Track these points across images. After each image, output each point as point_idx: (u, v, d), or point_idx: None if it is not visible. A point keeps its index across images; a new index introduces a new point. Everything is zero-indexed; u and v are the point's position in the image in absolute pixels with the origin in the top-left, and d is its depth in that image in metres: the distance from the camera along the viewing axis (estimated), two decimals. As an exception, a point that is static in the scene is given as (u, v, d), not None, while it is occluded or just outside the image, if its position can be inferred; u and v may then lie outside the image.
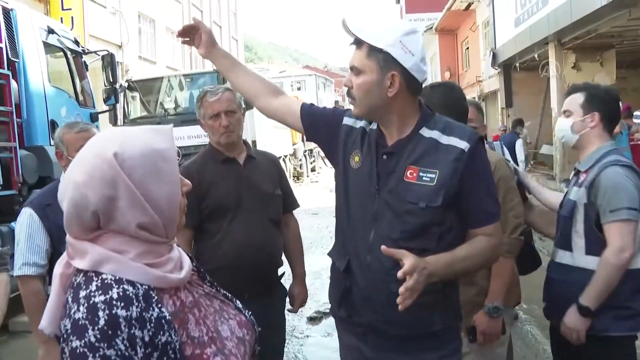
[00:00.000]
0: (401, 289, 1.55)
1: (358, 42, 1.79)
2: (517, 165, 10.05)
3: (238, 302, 1.36)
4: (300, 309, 3.12)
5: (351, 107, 1.93)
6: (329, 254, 2.09)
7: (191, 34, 2.12)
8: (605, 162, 2.34)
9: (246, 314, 1.34)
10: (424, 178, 1.76)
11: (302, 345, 5.03)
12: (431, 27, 26.46)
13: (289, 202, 2.99)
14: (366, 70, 1.78)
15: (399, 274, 1.56)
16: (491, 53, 17.71)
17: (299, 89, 50.01)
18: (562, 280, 2.41)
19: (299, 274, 3.03)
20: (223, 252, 2.63)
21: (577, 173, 2.50)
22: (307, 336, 5.25)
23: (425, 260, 1.63)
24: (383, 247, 1.64)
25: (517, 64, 16.11)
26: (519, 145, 10.30)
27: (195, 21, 2.12)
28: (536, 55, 14.29)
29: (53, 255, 2.53)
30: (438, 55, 27.79)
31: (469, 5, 21.83)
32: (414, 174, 1.78)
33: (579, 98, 2.47)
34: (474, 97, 22.05)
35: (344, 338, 2.07)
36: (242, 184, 2.74)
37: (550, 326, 2.62)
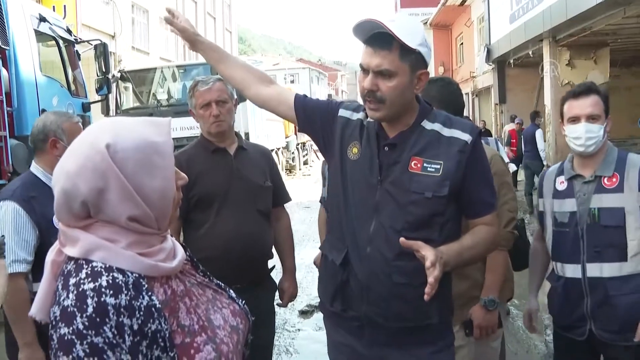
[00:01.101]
0: (430, 279, 1.56)
1: (386, 44, 1.71)
2: (540, 154, 10.34)
3: (231, 291, 1.35)
4: (291, 303, 3.11)
5: (354, 104, 1.90)
6: (321, 248, 2.06)
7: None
8: (634, 161, 2.31)
9: (240, 303, 1.34)
10: (428, 169, 1.77)
11: (294, 339, 5.03)
12: (426, 22, 26.45)
13: (280, 196, 2.97)
14: (399, 73, 1.73)
15: (427, 264, 1.57)
16: (485, 49, 17.74)
17: (292, 82, 49.91)
18: (627, 293, 2.26)
19: (289, 268, 3.01)
20: (211, 243, 2.62)
21: (595, 179, 2.34)
22: (299, 330, 5.25)
23: (440, 251, 1.65)
24: (402, 239, 1.64)
25: (512, 60, 16.16)
26: (539, 135, 10.52)
27: (171, 12, 2.08)
28: (530, 52, 14.33)
29: (42, 248, 2.43)
30: (432, 50, 27.80)
31: (464, 0, 21.84)
32: (418, 165, 1.78)
33: (600, 101, 2.35)
34: (468, 93, 22.11)
35: (334, 336, 2.04)
36: (232, 175, 2.72)
37: (557, 341, 2.57)
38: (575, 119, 2.37)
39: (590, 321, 2.33)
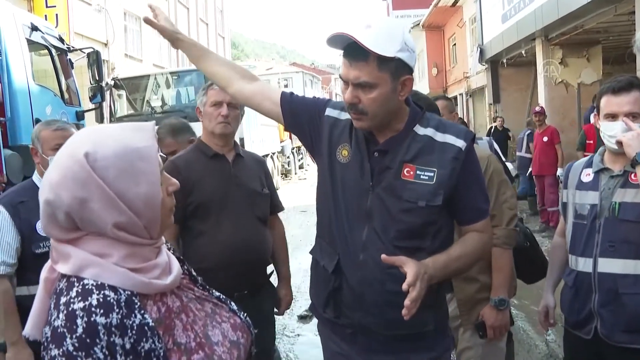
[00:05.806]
0: (406, 302, 1.52)
1: (362, 56, 1.64)
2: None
3: (233, 303, 1.32)
4: (290, 308, 3.10)
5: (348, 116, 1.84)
6: (312, 252, 2.00)
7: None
8: None
9: (241, 315, 1.30)
10: (421, 177, 1.72)
11: (293, 344, 5.00)
12: (418, 24, 26.49)
13: (274, 204, 2.96)
14: (380, 84, 1.66)
15: (404, 286, 1.52)
16: (478, 49, 17.75)
17: (286, 86, 49.86)
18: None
19: (285, 276, 3.01)
20: (211, 251, 2.60)
21: (624, 174, 2.22)
22: (298, 335, 5.22)
23: (425, 265, 1.61)
24: (383, 255, 1.59)
25: (505, 60, 16.17)
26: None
27: (153, 9, 2.03)
28: (523, 52, 14.35)
29: (23, 255, 2.45)
30: (425, 51, 27.84)
31: (456, 1, 21.87)
32: (411, 172, 1.72)
33: None
34: (462, 94, 22.12)
35: (329, 345, 1.99)
36: (230, 181, 2.70)
37: (565, 340, 2.49)
38: (612, 116, 2.23)
39: (597, 318, 2.25)
